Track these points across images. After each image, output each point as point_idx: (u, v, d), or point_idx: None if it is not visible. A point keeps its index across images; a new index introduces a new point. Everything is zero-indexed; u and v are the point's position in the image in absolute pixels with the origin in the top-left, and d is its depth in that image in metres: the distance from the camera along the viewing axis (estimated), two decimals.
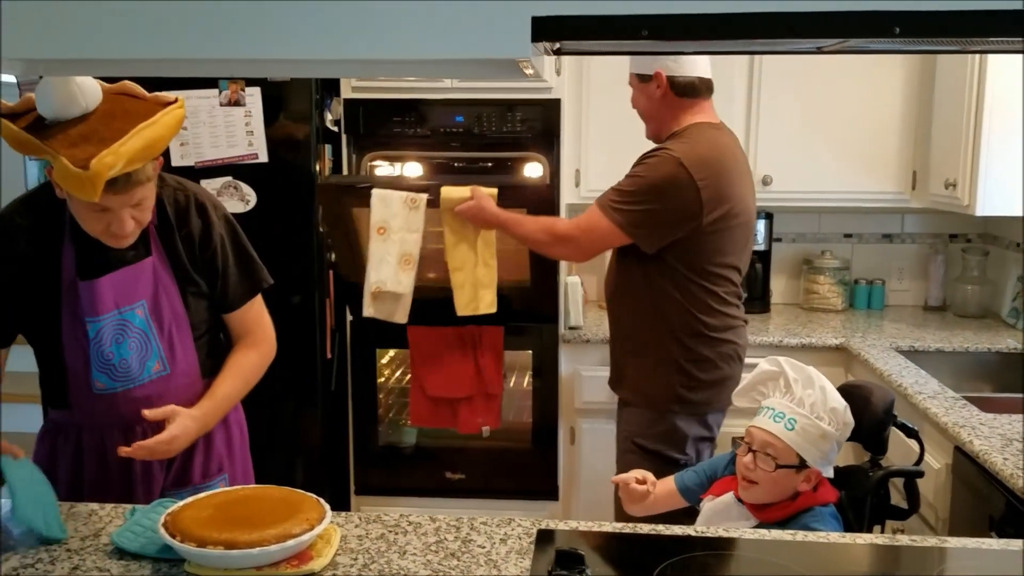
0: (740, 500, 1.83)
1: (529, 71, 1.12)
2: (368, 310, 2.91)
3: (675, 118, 2.49)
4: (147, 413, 1.76)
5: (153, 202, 1.80)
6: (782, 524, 1.75)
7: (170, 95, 1.75)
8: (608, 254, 2.65)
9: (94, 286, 1.78)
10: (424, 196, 2.82)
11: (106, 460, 1.86)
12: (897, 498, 1.92)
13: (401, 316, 2.92)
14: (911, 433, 1.96)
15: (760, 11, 1.02)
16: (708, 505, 1.90)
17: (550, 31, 1.04)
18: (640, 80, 2.52)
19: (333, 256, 3.26)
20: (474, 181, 2.78)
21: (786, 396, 1.79)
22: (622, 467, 2.51)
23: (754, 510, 1.80)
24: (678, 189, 2.35)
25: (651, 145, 2.53)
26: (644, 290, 2.48)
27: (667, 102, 2.49)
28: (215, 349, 1.99)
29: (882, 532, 1.92)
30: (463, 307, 2.87)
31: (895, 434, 1.96)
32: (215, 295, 1.94)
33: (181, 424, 1.79)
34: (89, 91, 1.66)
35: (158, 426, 1.84)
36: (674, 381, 2.46)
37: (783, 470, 1.75)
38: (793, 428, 1.74)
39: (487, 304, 2.88)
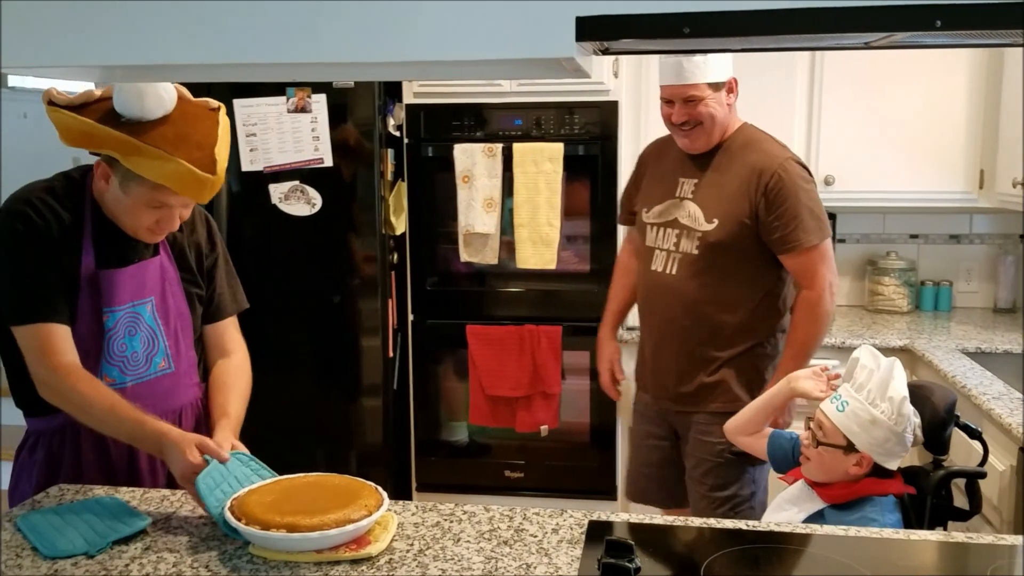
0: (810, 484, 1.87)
1: (575, 69, 1.15)
2: (463, 255, 3.30)
3: (731, 123, 2.53)
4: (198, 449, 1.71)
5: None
6: (844, 508, 1.78)
7: (213, 101, 1.80)
8: (676, 268, 2.48)
9: (115, 276, 1.79)
10: (500, 145, 3.24)
11: (110, 460, 1.85)
12: (961, 500, 1.90)
13: (491, 257, 3.29)
14: (974, 434, 1.93)
15: (802, 6, 1.03)
16: (781, 494, 1.94)
17: (594, 30, 1.07)
18: (714, 89, 2.44)
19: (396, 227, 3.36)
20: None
21: (851, 381, 1.82)
22: (715, 480, 2.47)
23: (819, 490, 1.83)
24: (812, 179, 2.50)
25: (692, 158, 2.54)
26: (752, 291, 2.47)
27: (731, 108, 2.50)
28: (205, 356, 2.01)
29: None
30: (524, 260, 3.25)
31: (959, 436, 1.93)
32: (211, 305, 1.98)
33: (223, 436, 1.77)
34: (171, 92, 1.70)
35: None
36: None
37: (830, 450, 1.79)
38: (843, 410, 1.78)
39: (547, 260, 3.24)
